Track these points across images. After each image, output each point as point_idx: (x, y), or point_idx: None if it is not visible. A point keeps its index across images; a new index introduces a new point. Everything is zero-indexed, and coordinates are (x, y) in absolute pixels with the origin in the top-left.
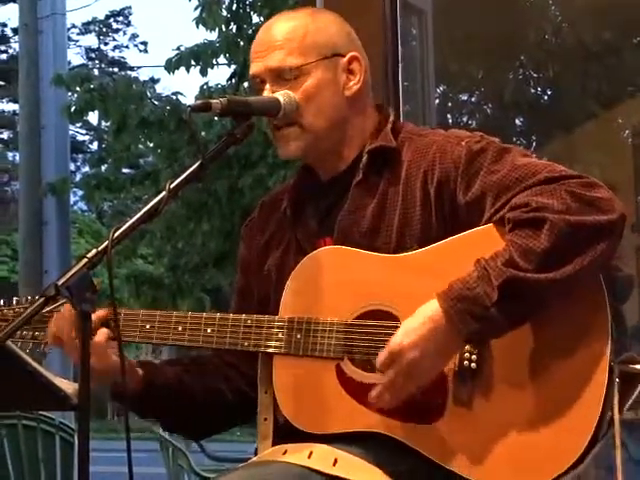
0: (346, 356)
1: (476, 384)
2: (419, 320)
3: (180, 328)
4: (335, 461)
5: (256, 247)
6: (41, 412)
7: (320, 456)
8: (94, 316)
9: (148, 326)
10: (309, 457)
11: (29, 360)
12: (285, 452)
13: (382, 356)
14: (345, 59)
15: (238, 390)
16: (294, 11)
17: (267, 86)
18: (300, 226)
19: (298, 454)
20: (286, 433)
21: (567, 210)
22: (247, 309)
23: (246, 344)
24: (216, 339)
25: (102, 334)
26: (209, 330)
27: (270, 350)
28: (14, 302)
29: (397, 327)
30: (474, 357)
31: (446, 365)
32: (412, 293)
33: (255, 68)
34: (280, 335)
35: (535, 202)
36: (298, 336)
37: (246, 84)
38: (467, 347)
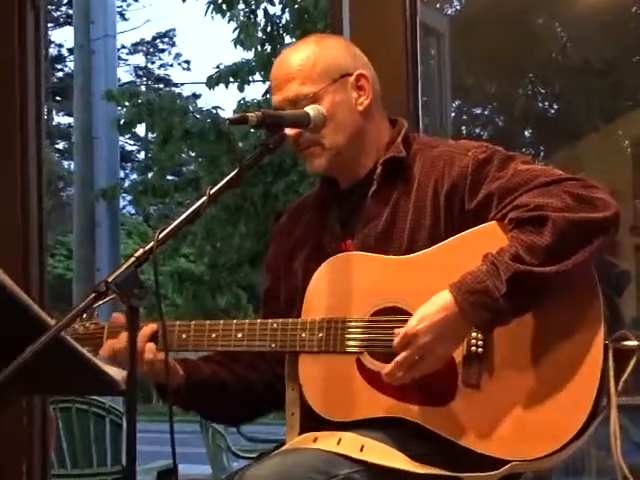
0: (365, 350)
1: (483, 367)
2: (433, 308)
3: (213, 335)
4: (362, 447)
5: (283, 251)
6: (93, 397)
7: (348, 443)
8: (140, 334)
9: (184, 335)
10: (338, 444)
11: (82, 350)
12: (316, 439)
13: (398, 338)
14: (352, 78)
15: (267, 381)
16: (301, 42)
17: None
18: (324, 230)
19: (328, 441)
20: (313, 422)
21: (567, 208)
22: (274, 310)
23: (273, 345)
24: (246, 342)
25: (150, 352)
26: (239, 335)
27: (295, 349)
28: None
29: None
30: (480, 342)
31: (455, 349)
32: (422, 289)
33: (275, 101)
34: (304, 335)
35: (536, 202)
36: (320, 335)
37: None
38: (474, 334)
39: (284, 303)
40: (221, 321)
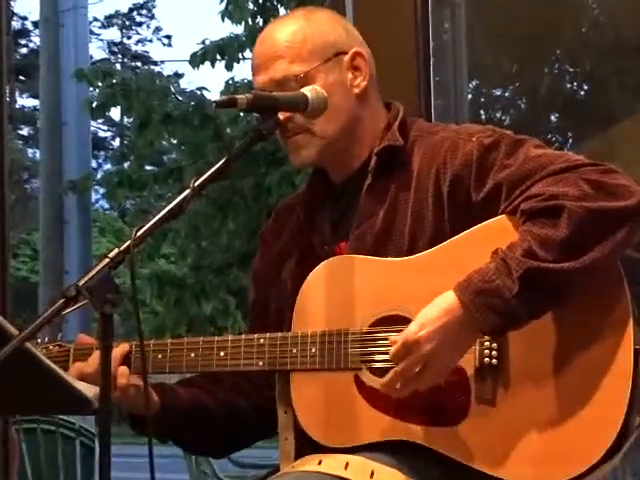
0: (364, 365)
1: (498, 380)
2: (435, 312)
3: (193, 355)
4: (372, 473)
5: (270, 257)
6: (61, 416)
7: (357, 467)
8: (113, 355)
9: (160, 356)
10: (345, 468)
11: (50, 363)
12: (320, 462)
13: (396, 347)
14: (348, 56)
15: (255, 404)
16: (288, 16)
17: None
18: (315, 232)
19: (334, 464)
20: (310, 448)
21: (584, 197)
22: (264, 323)
23: (261, 364)
24: (230, 362)
25: (123, 376)
26: (222, 353)
27: (286, 368)
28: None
29: None
30: (494, 353)
31: (460, 358)
32: (425, 295)
33: (260, 81)
34: (294, 351)
35: (550, 191)
36: (313, 350)
37: None
38: (487, 343)
39: (274, 315)
40: (201, 338)
